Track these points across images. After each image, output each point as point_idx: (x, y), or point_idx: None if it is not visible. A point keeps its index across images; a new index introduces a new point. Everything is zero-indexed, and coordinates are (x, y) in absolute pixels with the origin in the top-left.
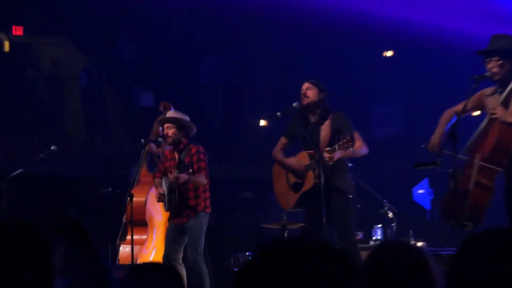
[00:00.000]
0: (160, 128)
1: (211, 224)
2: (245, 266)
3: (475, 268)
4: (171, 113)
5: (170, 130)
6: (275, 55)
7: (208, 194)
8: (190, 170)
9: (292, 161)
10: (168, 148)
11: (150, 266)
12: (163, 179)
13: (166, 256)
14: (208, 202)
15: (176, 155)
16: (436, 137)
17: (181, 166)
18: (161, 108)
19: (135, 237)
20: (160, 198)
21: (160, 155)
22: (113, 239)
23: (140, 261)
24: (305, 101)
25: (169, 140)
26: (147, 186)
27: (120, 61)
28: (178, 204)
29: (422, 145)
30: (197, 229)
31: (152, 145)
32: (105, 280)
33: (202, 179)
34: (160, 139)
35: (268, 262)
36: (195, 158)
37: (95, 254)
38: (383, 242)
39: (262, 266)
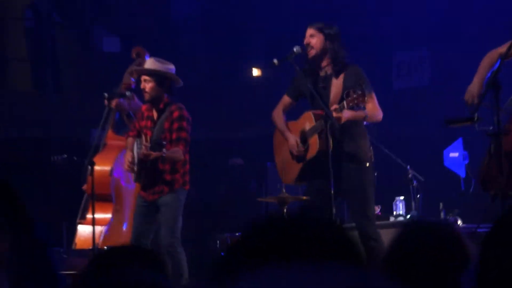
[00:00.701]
0: (133, 79)
1: (192, 198)
2: (232, 247)
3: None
4: (150, 63)
5: (147, 84)
6: None
7: (187, 168)
8: (164, 150)
9: (293, 140)
10: (138, 103)
11: (125, 249)
12: (136, 141)
13: (135, 240)
14: (187, 178)
15: (155, 114)
16: (475, 86)
17: (156, 140)
18: (134, 55)
19: (97, 216)
20: (129, 167)
21: (131, 113)
22: (70, 217)
23: (104, 244)
24: (311, 54)
25: (147, 96)
26: (114, 151)
27: None
28: (150, 176)
29: (461, 98)
30: (173, 207)
31: (122, 101)
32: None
33: (179, 154)
34: (128, 93)
35: (260, 244)
36: (175, 125)
37: (38, 245)
38: (409, 222)
39: (253, 248)
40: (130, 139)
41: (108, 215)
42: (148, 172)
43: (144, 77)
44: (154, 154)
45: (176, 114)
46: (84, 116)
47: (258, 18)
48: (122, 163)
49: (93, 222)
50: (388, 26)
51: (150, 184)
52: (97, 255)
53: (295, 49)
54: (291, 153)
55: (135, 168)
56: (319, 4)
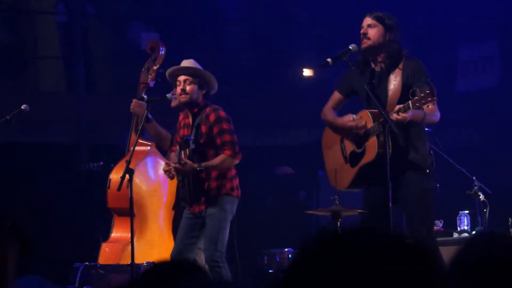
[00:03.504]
0: (151, 80)
1: (238, 212)
2: (287, 270)
3: None
4: (191, 63)
5: (189, 86)
6: None
7: (234, 172)
8: (192, 146)
9: (347, 119)
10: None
11: (167, 264)
12: (175, 153)
13: (178, 252)
14: (235, 183)
15: (190, 120)
16: None
17: (182, 142)
18: (148, 49)
19: (116, 234)
20: (169, 176)
21: (150, 116)
22: (107, 233)
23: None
24: (365, 44)
25: (185, 99)
26: (137, 157)
27: None
28: (193, 188)
29: None
30: (218, 218)
31: (141, 103)
32: None
33: (228, 161)
34: (169, 95)
35: (316, 263)
36: (216, 130)
37: None
38: (475, 236)
39: (308, 269)
40: (172, 154)
41: (127, 234)
42: (192, 182)
43: (184, 77)
44: (186, 169)
45: (212, 117)
46: (119, 119)
47: (310, 13)
48: (144, 172)
49: (132, 236)
50: (451, 18)
51: (196, 195)
52: (145, 271)
53: (351, 47)
54: (344, 156)
55: (178, 178)
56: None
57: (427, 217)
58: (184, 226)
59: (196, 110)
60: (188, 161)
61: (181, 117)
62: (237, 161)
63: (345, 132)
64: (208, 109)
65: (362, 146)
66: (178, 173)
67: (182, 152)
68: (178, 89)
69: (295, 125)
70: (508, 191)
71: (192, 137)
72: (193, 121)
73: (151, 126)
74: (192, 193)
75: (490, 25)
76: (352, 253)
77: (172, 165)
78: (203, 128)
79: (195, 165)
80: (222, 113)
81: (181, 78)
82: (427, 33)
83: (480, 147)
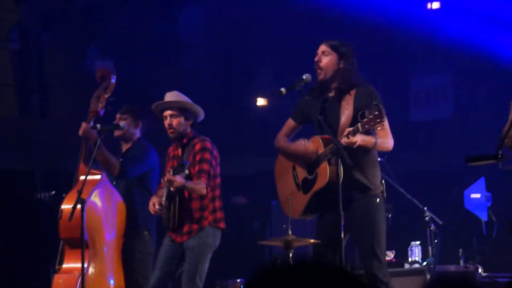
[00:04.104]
0: (101, 108)
1: None
2: None
3: None
4: (175, 95)
5: (175, 119)
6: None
7: (218, 204)
8: (186, 172)
9: (299, 145)
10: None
11: None
12: (164, 189)
13: (157, 280)
14: (219, 215)
15: (180, 151)
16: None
17: (177, 166)
18: (98, 78)
19: (68, 265)
20: (155, 211)
21: (100, 143)
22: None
23: None
24: (320, 76)
25: (173, 134)
26: (88, 187)
27: (67, 15)
28: (178, 214)
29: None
30: (198, 253)
31: (92, 131)
32: None
33: (201, 186)
34: (122, 123)
35: None
36: (198, 157)
37: None
38: (436, 277)
39: None
40: (160, 190)
41: (78, 265)
42: (178, 207)
43: (170, 112)
44: (178, 180)
45: (198, 146)
46: (73, 147)
47: (266, 44)
48: (95, 202)
49: (82, 269)
50: (405, 47)
51: (179, 225)
52: None
53: (304, 77)
54: (297, 184)
55: (163, 211)
56: (330, 30)
57: (378, 246)
58: (165, 252)
59: (185, 141)
60: (177, 176)
61: (170, 148)
62: (205, 192)
63: (297, 159)
64: (196, 140)
65: (314, 172)
66: (170, 184)
67: (166, 173)
68: (166, 123)
69: (248, 154)
70: (459, 221)
71: (188, 162)
72: (183, 152)
73: (101, 153)
74: (176, 219)
75: (445, 52)
76: (298, 285)
77: (168, 176)
78: (190, 158)
79: (183, 181)
80: (208, 144)
81: (167, 113)
82: (380, 60)
83: (432, 177)
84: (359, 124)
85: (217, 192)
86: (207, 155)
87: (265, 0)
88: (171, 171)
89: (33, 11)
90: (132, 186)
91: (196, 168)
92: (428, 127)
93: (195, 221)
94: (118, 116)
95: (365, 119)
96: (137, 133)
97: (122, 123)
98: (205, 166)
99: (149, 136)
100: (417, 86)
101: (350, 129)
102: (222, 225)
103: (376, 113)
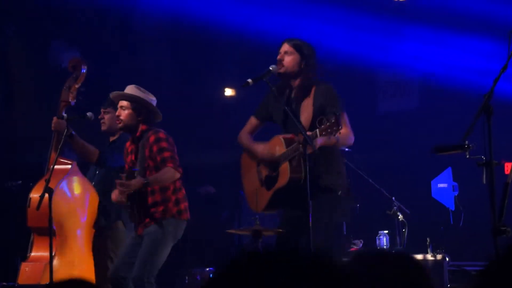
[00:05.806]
0: (72, 98)
1: None
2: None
3: None
4: (131, 89)
5: (124, 111)
6: None
7: (181, 195)
8: (138, 169)
9: (259, 147)
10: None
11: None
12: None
13: (113, 272)
14: (183, 206)
15: (134, 146)
16: None
17: (128, 173)
18: (70, 68)
19: (37, 253)
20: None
21: (74, 132)
22: (25, 252)
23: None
24: (280, 70)
25: (119, 125)
26: (55, 178)
27: (31, 6)
28: (141, 210)
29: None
30: (153, 238)
31: (61, 121)
32: None
33: (170, 173)
34: (89, 113)
35: (235, 283)
36: (155, 149)
37: None
38: (357, 254)
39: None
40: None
41: (46, 253)
42: (139, 206)
43: (121, 103)
44: (134, 183)
45: (152, 138)
46: (39, 138)
47: (232, 33)
48: (64, 191)
49: (51, 255)
50: (372, 38)
51: (141, 218)
52: None
53: (271, 68)
54: (260, 180)
55: (127, 204)
56: (299, 19)
57: (328, 237)
58: (127, 245)
59: (138, 135)
60: (132, 180)
61: (127, 143)
62: (178, 175)
63: (259, 158)
64: (150, 132)
65: (276, 170)
66: (128, 189)
67: (117, 183)
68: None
69: (216, 144)
70: (426, 211)
71: (138, 168)
72: (136, 146)
73: (76, 142)
74: (140, 215)
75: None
76: (271, 273)
77: (119, 188)
78: (146, 152)
79: (142, 179)
80: (162, 134)
81: (119, 104)
82: (346, 52)
83: (400, 167)
84: (317, 130)
85: (178, 184)
86: (163, 144)
87: None
88: (125, 177)
89: None
90: (112, 176)
91: (158, 159)
92: (394, 118)
93: (158, 213)
94: (102, 110)
95: (322, 126)
96: None
97: (89, 113)
98: (166, 154)
99: None
100: (383, 77)
101: (310, 133)
102: (186, 216)
103: (333, 121)
